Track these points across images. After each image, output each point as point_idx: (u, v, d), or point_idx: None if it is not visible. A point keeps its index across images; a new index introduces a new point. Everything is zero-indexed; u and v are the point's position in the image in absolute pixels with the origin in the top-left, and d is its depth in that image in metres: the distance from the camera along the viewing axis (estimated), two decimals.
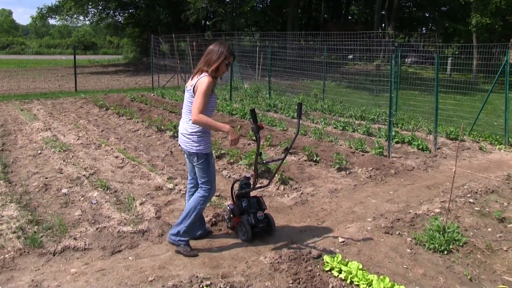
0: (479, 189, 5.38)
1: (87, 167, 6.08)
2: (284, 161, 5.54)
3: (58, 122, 9.62)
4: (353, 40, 13.05)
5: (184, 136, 3.60)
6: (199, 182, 3.67)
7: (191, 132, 3.53)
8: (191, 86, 3.50)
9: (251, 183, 4.00)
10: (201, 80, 3.44)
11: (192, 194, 3.81)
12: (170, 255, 3.66)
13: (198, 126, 3.49)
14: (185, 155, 3.78)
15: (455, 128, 8.50)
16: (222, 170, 6.14)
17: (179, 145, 3.71)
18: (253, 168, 4.01)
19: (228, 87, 13.49)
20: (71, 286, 3.19)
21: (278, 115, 10.67)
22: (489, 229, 4.28)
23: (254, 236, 3.87)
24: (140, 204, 4.74)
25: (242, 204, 3.95)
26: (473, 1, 17.58)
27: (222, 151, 6.77)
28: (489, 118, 10.24)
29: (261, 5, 32.14)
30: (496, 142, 8.01)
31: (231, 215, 4.06)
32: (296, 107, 4.21)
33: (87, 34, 57.24)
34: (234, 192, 4.08)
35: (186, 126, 3.58)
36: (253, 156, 4.20)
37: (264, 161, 4.29)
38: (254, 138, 3.76)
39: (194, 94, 3.45)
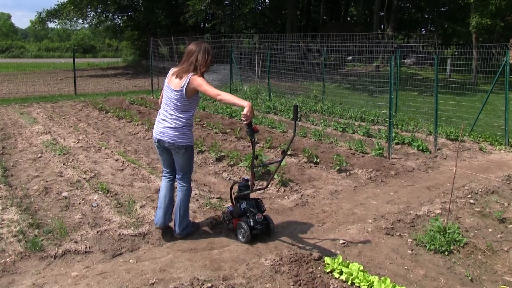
0: (480, 190, 5.37)
1: (87, 170, 6.08)
2: (284, 162, 5.56)
3: (58, 125, 9.62)
4: (352, 42, 13.08)
5: (171, 130, 3.77)
6: (181, 174, 3.96)
7: (183, 126, 3.77)
8: (182, 87, 3.67)
9: (250, 185, 4.03)
10: (196, 80, 3.65)
11: (170, 186, 4.06)
12: (171, 257, 3.66)
13: (189, 120, 3.81)
14: (160, 150, 3.94)
15: (455, 129, 8.50)
16: (222, 172, 6.14)
17: (157, 140, 3.85)
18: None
19: (227, 89, 13.51)
20: None
21: (277, 117, 10.68)
22: (490, 230, 4.28)
23: (252, 238, 3.88)
24: (141, 207, 4.73)
25: (241, 206, 3.97)
26: (472, 2, 17.58)
27: (222, 153, 6.77)
28: (489, 118, 10.25)
29: (260, 7, 32.23)
30: (496, 143, 8.01)
31: (231, 217, 4.09)
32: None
33: (86, 37, 57.39)
34: (234, 194, 4.11)
35: (176, 122, 3.77)
36: None
37: (262, 164, 4.30)
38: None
39: (186, 95, 3.68)
